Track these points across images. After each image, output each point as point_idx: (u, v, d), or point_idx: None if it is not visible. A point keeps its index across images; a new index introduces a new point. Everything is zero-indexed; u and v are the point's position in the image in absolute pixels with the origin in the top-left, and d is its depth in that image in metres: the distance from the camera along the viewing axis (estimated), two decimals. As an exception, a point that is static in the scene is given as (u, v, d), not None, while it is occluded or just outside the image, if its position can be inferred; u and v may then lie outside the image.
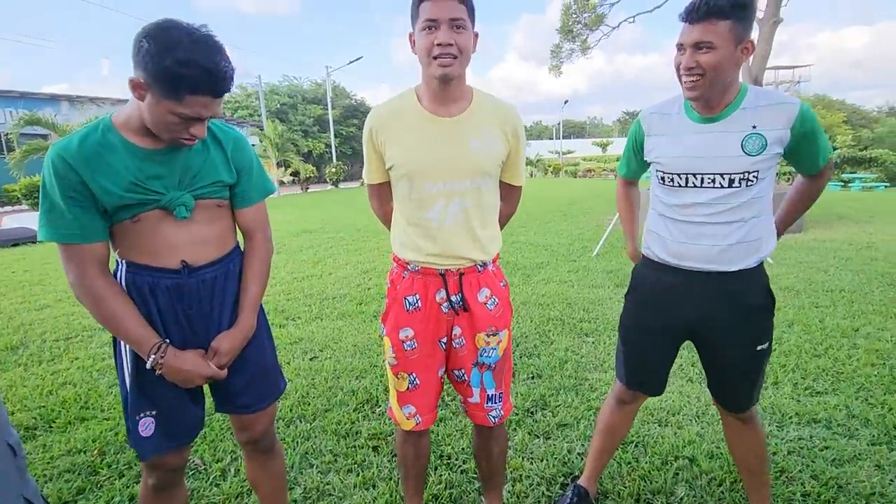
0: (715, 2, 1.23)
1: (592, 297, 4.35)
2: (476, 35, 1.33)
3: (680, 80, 1.37)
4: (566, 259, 5.97)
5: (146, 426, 1.23)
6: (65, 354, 3.39)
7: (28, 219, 10.45)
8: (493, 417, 1.52)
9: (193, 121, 1.10)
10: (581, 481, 1.84)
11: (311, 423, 2.41)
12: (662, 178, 1.49)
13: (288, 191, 22.94)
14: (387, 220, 1.57)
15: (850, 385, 2.65)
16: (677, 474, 1.99)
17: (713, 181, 1.38)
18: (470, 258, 1.41)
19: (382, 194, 1.53)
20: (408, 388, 1.48)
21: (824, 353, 3.03)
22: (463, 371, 1.48)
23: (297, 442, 2.26)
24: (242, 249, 1.39)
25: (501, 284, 1.50)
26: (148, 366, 1.18)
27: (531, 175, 32.22)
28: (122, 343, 1.22)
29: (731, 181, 1.36)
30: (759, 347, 1.47)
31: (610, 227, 6.69)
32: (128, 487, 1.96)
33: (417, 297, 1.43)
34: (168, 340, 1.21)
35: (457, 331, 1.45)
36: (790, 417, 2.36)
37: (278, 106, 31.58)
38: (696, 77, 1.30)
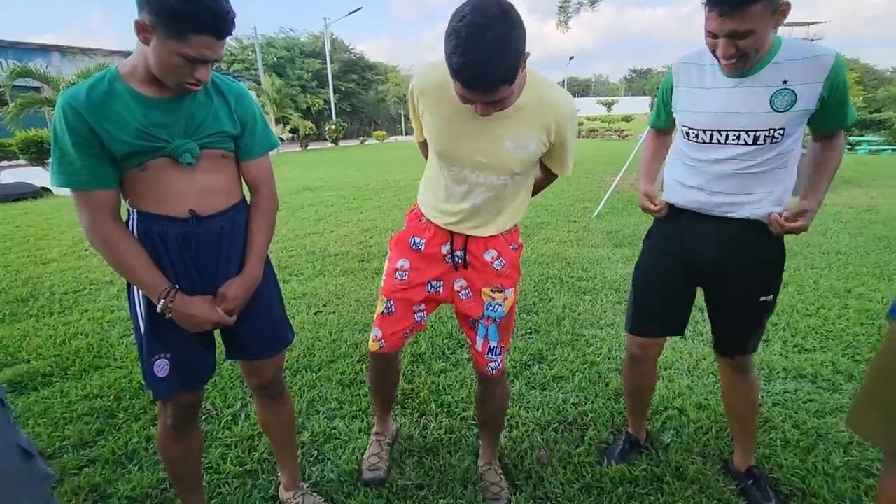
0: None
1: (591, 257, 4.40)
2: (526, 55, 1.14)
3: (715, 57, 1.33)
4: (566, 219, 5.98)
5: (161, 367, 1.29)
6: (74, 307, 3.47)
7: (27, 174, 10.35)
8: (492, 368, 1.60)
9: (198, 63, 1.12)
10: (630, 430, 1.95)
11: (316, 373, 2.51)
12: (687, 134, 1.49)
13: (287, 148, 22.62)
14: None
15: (838, 343, 2.74)
16: (665, 423, 2.09)
17: (738, 138, 1.38)
18: (482, 231, 1.46)
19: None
20: (383, 311, 1.58)
21: (815, 313, 3.11)
22: (472, 319, 1.56)
23: (304, 390, 2.36)
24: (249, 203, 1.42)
25: (511, 248, 1.53)
26: (158, 310, 1.23)
27: (534, 134, 31.64)
28: (136, 289, 1.27)
29: (756, 138, 1.36)
30: (762, 298, 1.52)
31: (611, 189, 6.67)
32: (144, 430, 2.07)
33: (424, 241, 1.52)
34: (178, 286, 1.26)
35: (461, 283, 1.52)
36: (777, 372, 2.46)
37: (275, 60, 30.65)
38: (735, 60, 1.27)
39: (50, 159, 1.19)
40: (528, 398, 2.29)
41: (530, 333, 2.95)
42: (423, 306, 1.59)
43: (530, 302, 3.40)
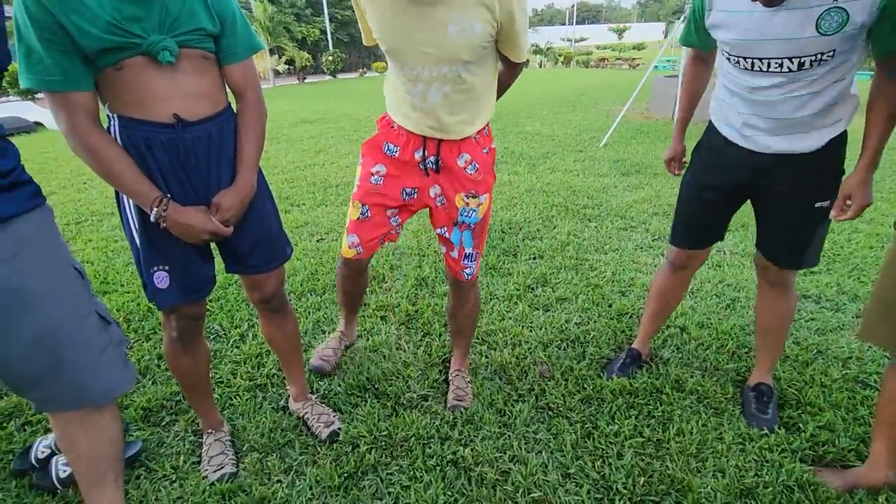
0: None
1: (597, 186, 4.31)
2: None
3: None
4: (573, 149, 5.82)
5: (161, 279, 1.28)
6: (78, 237, 3.47)
7: (19, 108, 10.06)
8: (467, 274, 1.63)
9: None
10: (634, 345, 1.97)
11: (321, 297, 2.53)
12: (728, 57, 1.40)
13: (284, 81, 21.79)
14: None
15: (844, 265, 2.72)
16: (666, 340, 2.12)
17: (780, 65, 1.27)
18: (450, 134, 1.43)
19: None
20: (358, 217, 1.58)
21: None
22: (445, 229, 1.57)
23: (310, 312, 2.39)
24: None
25: (484, 151, 1.50)
26: (152, 219, 1.20)
27: (540, 65, 30.26)
28: (126, 200, 1.23)
29: (801, 64, 1.25)
30: (818, 204, 1.43)
31: (619, 118, 6.43)
32: (155, 348, 2.11)
33: (398, 148, 1.50)
34: (170, 196, 1.22)
35: (436, 190, 1.52)
36: (781, 293, 2.45)
37: (266, -16, 28.80)
38: None
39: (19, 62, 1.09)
40: (531, 318, 2.31)
41: (534, 258, 2.94)
42: (397, 211, 1.59)
43: (535, 228, 3.37)
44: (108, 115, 1.20)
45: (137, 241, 1.27)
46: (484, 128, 1.50)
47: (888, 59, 1.24)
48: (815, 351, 2.02)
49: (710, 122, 1.59)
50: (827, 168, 1.42)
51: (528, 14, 1.39)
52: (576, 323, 2.27)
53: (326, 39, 26.20)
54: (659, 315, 1.91)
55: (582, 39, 50.87)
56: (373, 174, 1.53)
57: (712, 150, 1.57)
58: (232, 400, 1.82)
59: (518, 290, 2.56)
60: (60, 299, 0.99)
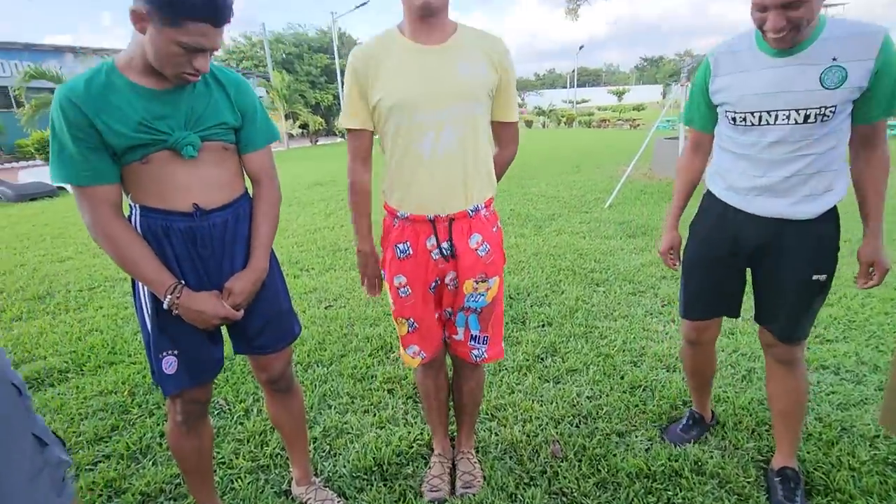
0: None
1: (604, 248, 4.33)
2: None
3: (762, 32, 1.29)
4: (578, 210, 5.91)
5: (169, 364, 1.29)
6: (90, 303, 3.51)
7: (43, 173, 10.53)
8: (476, 356, 1.58)
9: (195, 52, 1.10)
10: (695, 407, 1.94)
11: (328, 368, 2.50)
12: (734, 119, 1.44)
13: (297, 143, 22.72)
14: (361, 192, 1.50)
15: (861, 333, 2.66)
16: (683, 417, 2.04)
17: (787, 117, 1.34)
18: (461, 201, 1.39)
19: (361, 148, 1.45)
20: (408, 331, 1.53)
21: (837, 302, 3.02)
22: (451, 311, 1.54)
23: (316, 385, 2.35)
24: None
25: (493, 230, 1.49)
26: (164, 306, 1.22)
27: (543, 126, 31.36)
28: (141, 285, 1.26)
29: (807, 117, 1.32)
30: (815, 277, 1.44)
31: (623, 179, 6.57)
32: (158, 425, 2.08)
33: (408, 244, 1.44)
34: (184, 282, 1.25)
35: (451, 276, 1.47)
36: (798, 364, 2.39)
37: (284, 56, 30.71)
38: (785, 33, 1.24)
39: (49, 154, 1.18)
40: (541, 391, 2.25)
41: (543, 326, 2.91)
42: (438, 315, 1.55)
43: (542, 294, 3.36)
44: (129, 205, 1.26)
45: (149, 325, 1.28)
46: (490, 204, 1.50)
47: (867, 130, 1.36)
48: (840, 428, 1.94)
49: (708, 192, 1.62)
50: (824, 240, 1.45)
51: (514, 78, 1.48)
52: (587, 396, 2.21)
53: (339, 103, 27.53)
54: (700, 385, 1.90)
55: (583, 101, 52.98)
56: (398, 287, 1.48)
57: (712, 219, 1.59)
58: (233, 483, 1.76)
59: (527, 360, 2.52)
60: None
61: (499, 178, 1.59)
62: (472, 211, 1.41)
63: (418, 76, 1.32)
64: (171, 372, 1.29)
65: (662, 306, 3.13)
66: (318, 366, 2.53)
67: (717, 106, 1.50)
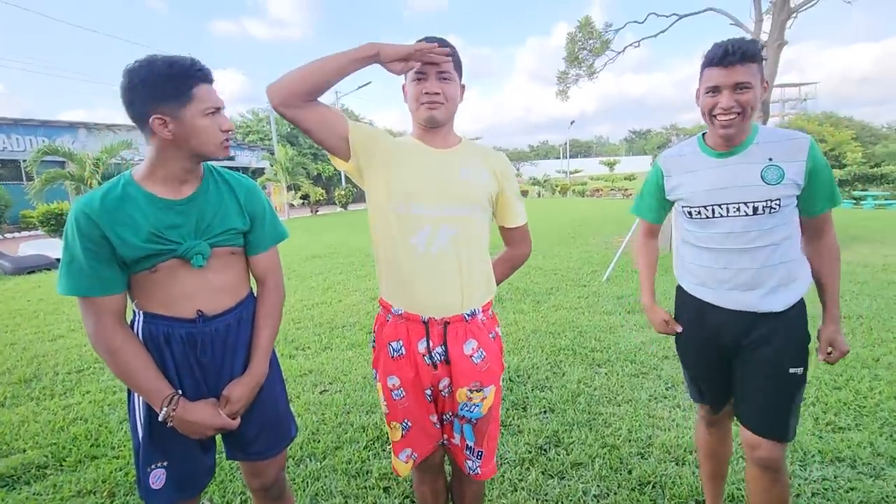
0: (748, 47, 1.36)
1: (603, 325, 4.30)
2: (463, 87, 1.43)
3: (710, 121, 1.45)
4: (576, 284, 5.92)
5: (157, 478, 1.23)
6: (76, 388, 3.40)
7: (44, 245, 10.60)
8: (470, 468, 1.49)
9: (216, 114, 1.19)
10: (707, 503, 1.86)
11: (321, 462, 2.38)
12: (689, 213, 1.55)
13: (297, 213, 23.17)
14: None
15: (873, 420, 2.58)
16: (697, 518, 1.93)
17: (738, 209, 1.45)
18: (456, 303, 1.35)
19: (335, 116, 1.33)
20: (402, 434, 1.45)
21: (845, 385, 2.95)
22: (450, 414, 1.47)
23: (308, 482, 2.22)
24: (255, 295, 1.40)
25: (491, 336, 1.43)
26: (160, 418, 1.18)
27: (538, 195, 32.25)
28: (136, 395, 1.23)
29: (756, 209, 1.43)
30: (791, 370, 1.47)
31: (620, 251, 6.65)
32: (137, 532, 1.94)
33: (401, 343, 1.39)
34: (180, 392, 1.22)
35: (444, 382, 1.41)
36: (813, 456, 2.29)
37: (288, 130, 32.12)
38: (734, 115, 1.39)
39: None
40: (545, 489, 2.14)
41: (545, 412, 2.81)
42: (435, 417, 1.48)
43: (543, 376, 3.28)
44: (134, 311, 1.25)
45: (140, 434, 1.24)
46: (489, 309, 1.47)
47: (815, 223, 1.48)
48: (864, 532, 1.82)
49: (680, 288, 1.70)
50: (795, 333, 1.50)
51: (517, 186, 1.55)
52: (594, 495, 2.09)
53: (340, 175, 28.43)
54: (716, 474, 1.84)
55: (576, 171, 54.90)
56: (392, 389, 1.42)
57: (691, 315, 1.65)
58: None
59: (530, 451, 2.41)
60: None
61: (509, 275, 1.63)
62: (468, 315, 1.38)
63: (423, 170, 1.36)
64: (158, 487, 1.23)
65: (667, 389, 3.05)
66: (310, 460, 2.41)
67: (673, 203, 1.63)
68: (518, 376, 3.29)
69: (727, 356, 1.59)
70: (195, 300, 1.22)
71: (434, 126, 1.37)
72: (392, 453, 1.51)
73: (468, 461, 1.49)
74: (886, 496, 2.01)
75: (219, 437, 1.38)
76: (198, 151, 1.18)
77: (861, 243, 8.28)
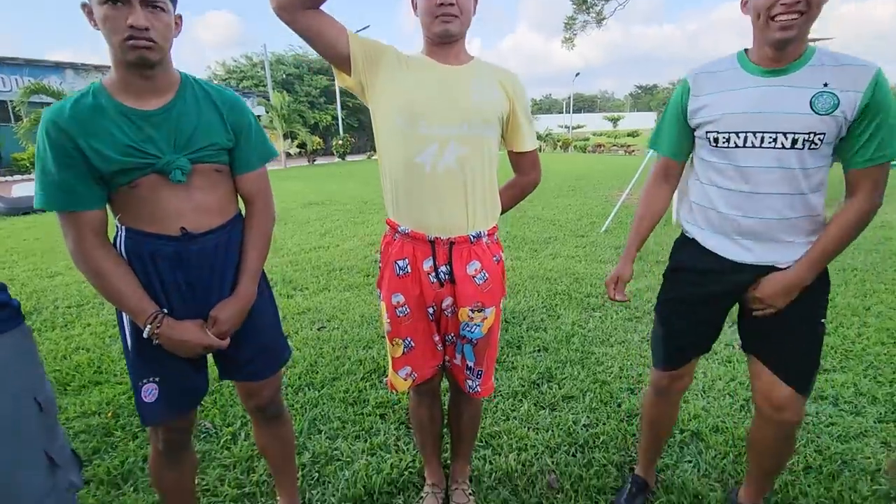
0: None
1: (600, 273, 4.33)
2: None
3: (766, 23, 1.20)
4: (574, 234, 5.92)
5: (149, 392, 1.23)
6: (77, 321, 3.44)
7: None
8: (469, 388, 1.53)
9: (122, 5, 1.04)
10: (638, 472, 1.78)
11: (319, 391, 2.45)
12: (715, 139, 1.33)
13: (295, 163, 22.82)
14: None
15: (858, 363, 2.64)
16: (682, 447, 2.00)
17: (774, 140, 1.25)
18: (462, 224, 1.35)
19: (328, 22, 1.26)
20: (403, 352, 1.48)
21: (834, 332, 3.01)
22: (452, 335, 1.49)
23: (306, 409, 2.29)
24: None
25: (494, 259, 1.44)
26: (144, 335, 1.17)
27: (540, 150, 31.76)
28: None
29: (795, 141, 1.23)
30: (823, 321, 1.35)
31: (619, 203, 6.61)
32: (141, 449, 2.01)
33: (407, 261, 1.40)
34: (166, 310, 1.20)
35: (447, 301, 1.43)
36: (797, 394, 2.36)
37: (284, 76, 31.11)
38: (797, 14, 1.15)
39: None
40: (536, 419, 2.21)
41: (539, 351, 2.87)
42: (437, 338, 1.50)
43: (538, 318, 3.33)
44: (116, 225, 1.21)
45: (130, 350, 1.24)
46: (494, 233, 1.47)
47: (856, 174, 1.25)
48: (840, 461, 1.90)
49: (683, 236, 1.51)
50: (823, 282, 1.36)
51: (529, 109, 1.49)
52: (584, 424, 2.16)
53: (337, 124, 27.83)
54: (654, 444, 1.74)
55: (579, 126, 53.82)
56: (396, 307, 1.43)
57: (695, 268, 1.46)
58: (217, 512, 1.69)
59: (523, 385, 2.47)
60: (2, 438, 0.88)
61: (518, 202, 1.62)
62: (473, 237, 1.38)
63: (430, 86, 1.32)
64: (150, 400, 1.23)
65: (659, 332, 3.10)
66: (308, 389, 2.47)
67: (695, 129, 1.39)
68: (513, 317, 3.34)
69: (729, 303, 1.45)
70: (179, 217, 1.18)
71: (448, 40, 1.32)
72: (390, 368, 1.53)
73: (468, 381, 1.52)
74: (865, 431, 2.09)
75: (211, 359, 1.38)
76: (115, 58, 1.09)
77: (861, 202, 8.24)
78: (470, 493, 1.72)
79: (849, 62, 1.20)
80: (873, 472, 1.84)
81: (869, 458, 1.91)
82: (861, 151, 1.22)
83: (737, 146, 1.30)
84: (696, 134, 1.41)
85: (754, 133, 1.27)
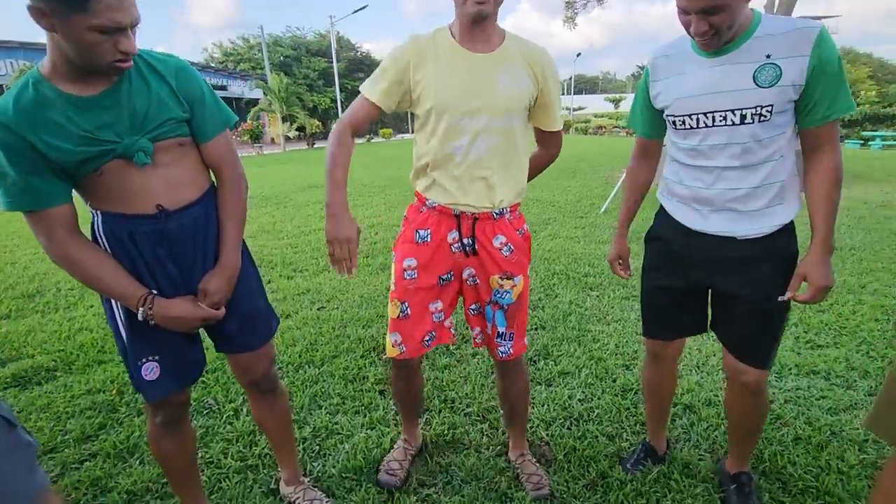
0: None
1: (598, 253, 4.35)
2: None
3: (689, 34, 1.27)
4: (573, 215, 5.93)
5: (150, 370, 1.24)
6: (79, 302, 3.48)
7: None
8: (501, 353, 1.59)
9: (115, 33, 1.00)
10: (649, 439, 1.83)
11: (319, 368, 2.49)
12: (674, 123, 1.40)
13: (294, 146, 22.71)
14: (341, 162, 1.40)
15: (852, 339, 2.67)
16: (674, 420, 2.05)
17: (724, 118, 1.29)
18: (485, 203, 1.42)
19: (361, 115, 1.42)
20: (398, 315, 1.53)
21: (829, 309, 3.04)
22: (479, 304, 1.55)
23: (306, 385, 2.34)
24: None
25: (519, 233, 1.51)
26: (139, 318, 1.17)
27: (541, 132, 31.48)
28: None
29: (743, 117, 1.26)
30: (780, 298, 1.36)
31: (618, 184, 6.60)
32: (145, 423, 2.05)
33: (429, 232, 1.47)
34: (154, 291, 1.20)
35: (469, 271, 1.50)
36: (789, 369, 2.40)
37: (282, 59, 30.75)
38: (709, 38, 1.22)
39: None
40: (532, 394, 2.25)
41: (536, 329, 2.91)
42: (440, 305, 1.53)
43: (536, 298, 3.36)
44: (90, 211, 1.19)
45: (123, 333, 1.23)
46: (517, 209, 1.52)
47: (815, 135, 1.27)
48: (829, 432, 1.94)
49: (661, 209, 1.56)
50: (782, 258, 1.37)
51: (559, 88, 1.49)
52: (579, 399, 2.21)
53: (336, 107, 27.59)
54: (657, 412, 1.78)
55: (580, 108, 53.27)
56: (405, 270, 1.49)
57: (665, 236, 1.53)
58: (221, 483, 1.74)
59: (519, 362, 2.51)
60: None
61: (539, 173, 1.67)
62: (496, 214, 1.45)
63: (460, 85, 1.35)
64: (152, 378, 1.25)
65: (655, 311, 3.13)
66: (309, 367, 2.51)
67: (660, 112, 1.45)
68: (511, 297, 3.36)
69: (702, 284, 1.48)
70: (152, 196, 1.16)
71: (480, 21, 1.32)
72: (388, 331, 1.59)
73: (500, 347, 1.58)
74: (855, 403, 2.13)
75: (204, 333, 1.38)
76: (79, 63, 1.03)
77: (864, 181, 8.21)
78: (535, 463, 1.76)
79: (792, 27, 1.21)
80: (861, 441, 1.88)
81: (857, 429, 1.95)
82: (818, 109, 1.24)
83: (692, 128, 1.36)
84: (663, 116, 1.46)
85: (705, 114, 1.32)
